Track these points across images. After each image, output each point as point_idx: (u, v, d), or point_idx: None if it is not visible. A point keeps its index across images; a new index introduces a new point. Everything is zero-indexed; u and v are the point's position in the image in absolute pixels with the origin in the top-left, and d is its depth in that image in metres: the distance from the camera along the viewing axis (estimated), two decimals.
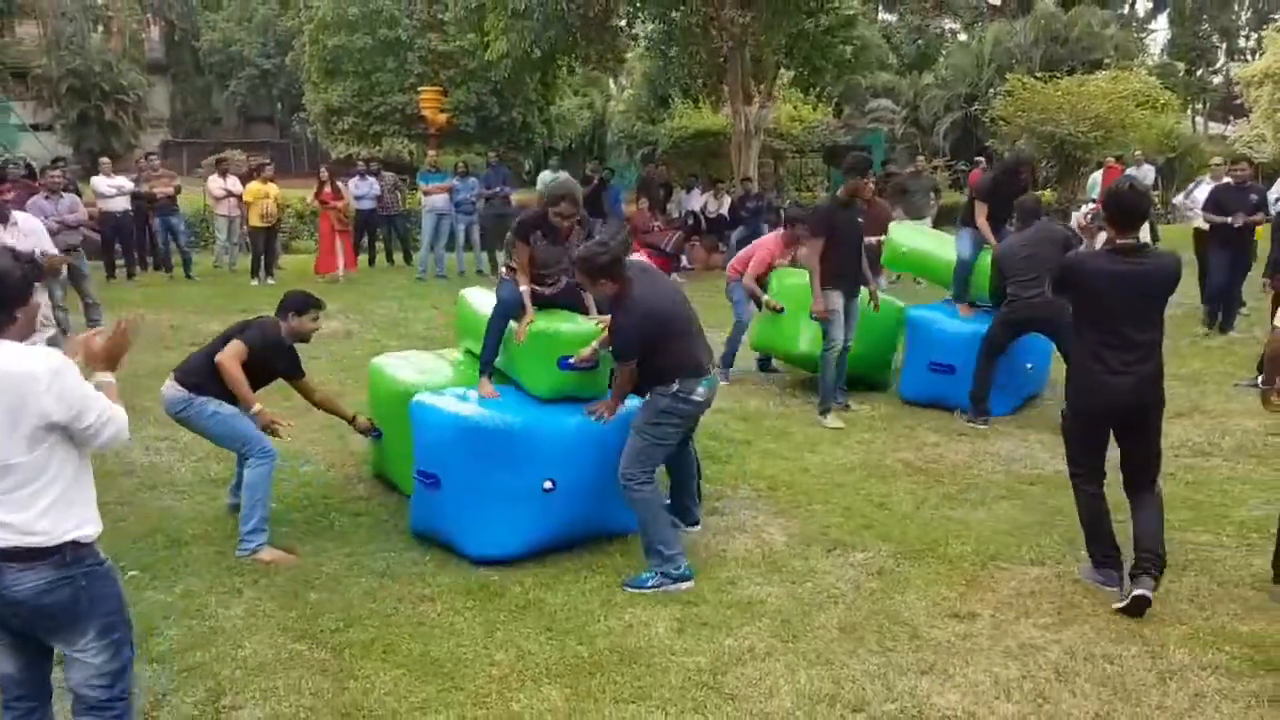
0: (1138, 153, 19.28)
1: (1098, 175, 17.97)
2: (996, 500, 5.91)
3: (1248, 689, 3.78)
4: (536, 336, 5.17)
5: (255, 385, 5.20)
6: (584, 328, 5.28)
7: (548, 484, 4.90)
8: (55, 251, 6.73)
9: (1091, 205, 12.48)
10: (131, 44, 42.83)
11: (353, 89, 26.76)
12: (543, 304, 5.42)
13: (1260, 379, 5.09)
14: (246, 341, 5.15)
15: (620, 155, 31.35)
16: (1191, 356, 9.53)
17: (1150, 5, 54.51)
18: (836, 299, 7.43)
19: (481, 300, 5.98)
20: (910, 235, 9.27)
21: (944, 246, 8.66)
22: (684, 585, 4.67)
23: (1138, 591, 4.34)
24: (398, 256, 16.39)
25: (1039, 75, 22.24)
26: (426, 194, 15.01)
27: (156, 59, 47.80)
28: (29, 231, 6.57)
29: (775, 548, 5.22)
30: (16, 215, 6.84)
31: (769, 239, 8.84)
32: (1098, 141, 20.21)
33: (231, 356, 5.09)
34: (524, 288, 5.32)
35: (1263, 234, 10.13)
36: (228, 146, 37.99)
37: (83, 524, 2.81)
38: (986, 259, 7.88)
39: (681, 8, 13.90)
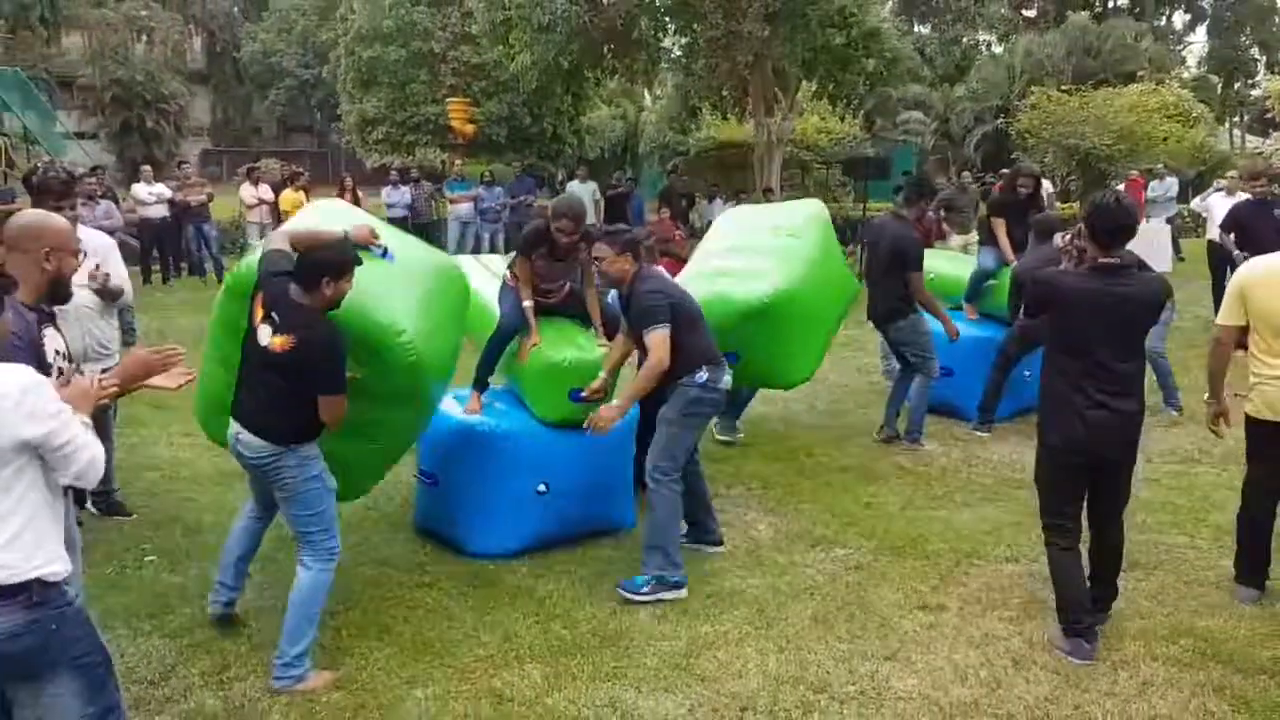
0: (1161, 166, 19.30)
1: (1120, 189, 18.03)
2: (981, 502, 6.10)
3: (1195, 679, 3.96)
4: (553, 368, 5.22)
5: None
6: (590, 354, 5.33)
7: (541, 487, 5.10)
8: (123, 272, 5.38)
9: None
10: (174, 54, 43.67)
11: (387, 99, 27.12)
12: (546, 311, 5.49)
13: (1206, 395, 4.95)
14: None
15: (653, 165, 31.64)
16: (1195, 366, 9.63)
17: (1188, 18, 54.37)
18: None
19: (475, 277, 5.70)
20: (939, 260, 9.16)
21: (957, 265, 8.81)
22: (677, 594, 4.70)
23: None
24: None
25: (1065, 88, 22.27)
26: (452, 202, 15.35)
27: (198, 69, 48.75)
28: (96, 250, 5.20)
29: (761, 543, 5.44)
30: (83, 231, 4.97)
31: None
32: (1123, 154, 20.24)
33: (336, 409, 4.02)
34: (527, 302, 5.36)
35: None
36: (267, 155, 38.78)
37: (50, 560, 2.58)
38: (1006, 274, 7.96)
39: (703, 22, 14.14)
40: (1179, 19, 54.01)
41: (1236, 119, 49.44)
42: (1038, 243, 7.65)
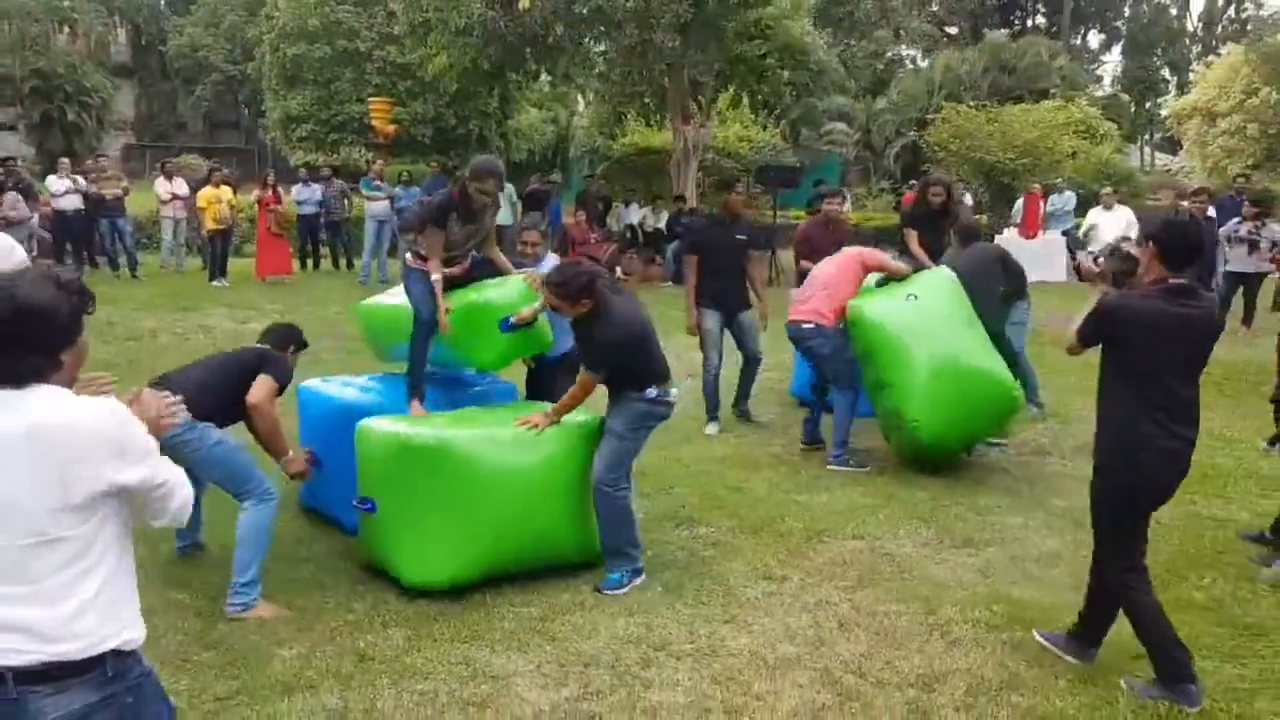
0: (1060, 180, 20.10)
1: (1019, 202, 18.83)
2: (843, 487, 6.50)
3: (999, 638, 4.37)
4: (470, 310, 5.24)
5: (236, 418, 4.73)
6: (512, 288, 5.37)
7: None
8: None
9: (1112, 242, 11.80)
10: (98, 47, 43.09)
11: (312, 97, 27.16)
12: (453, 284, 5.48)
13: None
14: (277, 380, 4.72)
15: (583, 169, 31.95)
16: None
17: (1104, 37, 56.15)
18: (711, 318, 7.67)
19: (381, 299, 6.13)
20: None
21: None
22: (640, 580, 4.84)
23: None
24: (342, 262, 16.90)
25: (973, 104, 23.01)
26: (368, 200, 15.55)
27: (123, 62, 47.99)
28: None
29: None
30: None
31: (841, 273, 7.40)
32: (1026, 169, 21.00)
33: (267, 397, 4.65)
34: (435, 276, 5.32)
35: None
36: (192, 151, 38.37)
37: (128, 625, 2.22)
38: None
39: (617, 30, 14.52)
40: (1095, 39, 55.79)
41: (1147, 137, 51.08)
42: (962, 246, 7.76)
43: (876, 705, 3.83)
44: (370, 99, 20.20)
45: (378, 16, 26.25)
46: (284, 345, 5.09)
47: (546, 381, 5.89)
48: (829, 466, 6.93)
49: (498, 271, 5.69)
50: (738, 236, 7.81)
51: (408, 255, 5.72)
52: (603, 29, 14.66)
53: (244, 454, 4.62)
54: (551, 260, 5.93)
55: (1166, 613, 4.35)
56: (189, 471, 4.08)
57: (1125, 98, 46.39)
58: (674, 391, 4.94)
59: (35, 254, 15.27)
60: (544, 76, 20.00)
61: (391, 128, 18.46)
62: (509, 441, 4.77)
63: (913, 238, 8.31)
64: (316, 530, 5.54)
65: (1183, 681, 3.80)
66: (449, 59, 15.34)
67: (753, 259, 8.05)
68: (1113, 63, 55.88)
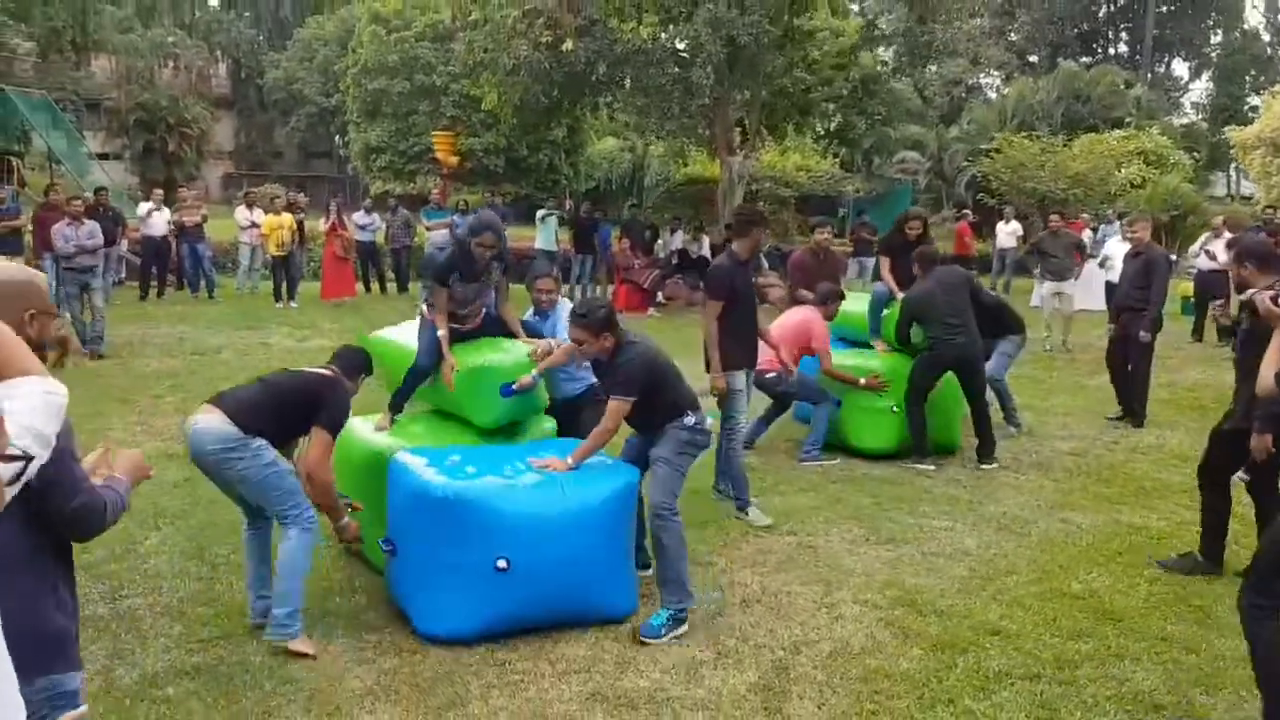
0: (1110, 210, 20.33)
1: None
2: (799, 492, 7.12)
3: (878, 616, 5.00)
4: (474, 373, 5.31)
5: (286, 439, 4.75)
6: (516, 354, 5.45)
7: (501, 563, 4.50)
8: None
9: None
10: (199, 80, 45.41)
11: (390, 129, 28.61)
12: (463, 338, 5.58)
13: None
14: (331, 429, 4.65)
15: (659, 197, 32.89)
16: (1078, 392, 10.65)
17: (1195, 63, 55.38)
18: (739, 378, 6.74)
19: (390, 334, 6.15)
20: None
21: (861, 304, 8.77)
22: (682, 629, 4.76)
23: None
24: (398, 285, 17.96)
25: (1032, 134, 23.35)
26: (429, 229, 16.58)
27: (223, 94, 50.45)
28: None
29: None
30: None
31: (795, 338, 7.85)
32: (1078, 199, 21.27)
33: (321, 460, 4.60)
34: (442, 331, 5.40)
35: None
36: (288, 179, 40.26)
37: None
38: (894, 309, 8.26)
39: (656, 69, 15.35)
40: (1181, 67, 55.07)
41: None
42: (923, 272, 8.06)
43: (745, 662, 4.50)
44: (434, 133, 21.33)
45: (454, 52, 27.58)
46: (353, 372, 4.96)
47: (571, 418, 5.89)
48: (801, 463, 7.72)
49: (509, 330, 5.75)
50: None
51: (423, 306, 5.79)
52: (643, 67, 15.48)
53: (293, 478, 4.57)
54: (565, 307, 5.96)
55: (1044, 599, 4.99)
56: (230, 490, 4.64)
57: (1204, 126, 45.70)
58: (710, 420, 5.11)
59: (124, 276, 16.69)
60: (603, 111, 20.81)
61: (455, 159, 19.54)
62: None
63: (884, 264, 8.82)
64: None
65: None
66: (499, 96, 16.37)
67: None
68: (1199, 90, 55.11)
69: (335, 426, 4.67)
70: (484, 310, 5.71)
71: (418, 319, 5.79)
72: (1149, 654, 4.60)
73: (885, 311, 8.47)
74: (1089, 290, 17.17)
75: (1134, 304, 9.12)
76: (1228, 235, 13.87)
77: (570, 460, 4.81)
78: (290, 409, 4.61)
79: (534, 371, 5.36)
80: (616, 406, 4.82)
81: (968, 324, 7.74)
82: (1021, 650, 4.61)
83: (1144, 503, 6.96)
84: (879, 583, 5.44)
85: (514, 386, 5.33)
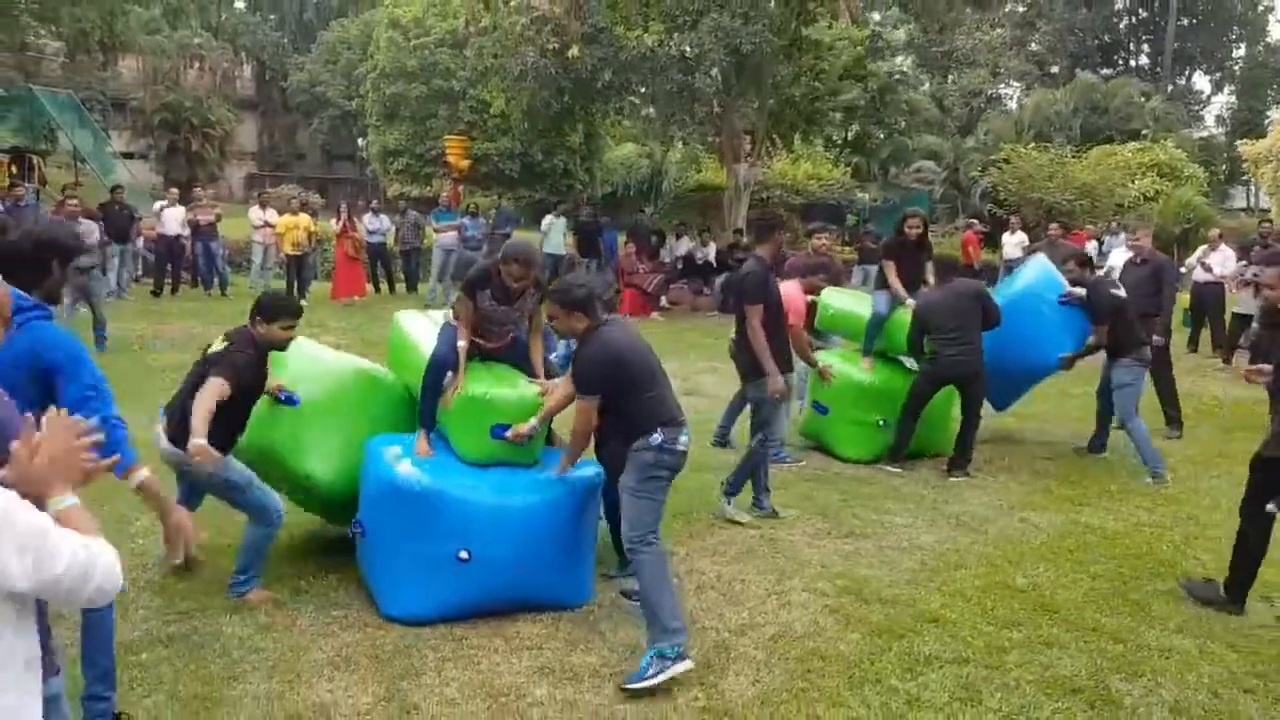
0: (1113, 222, 20.45)
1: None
2: (772, 490, 7.35)
3: (825, 603, 5.23)
4: (471, 401, 5.01)
5: (243, 419, 4.94)
6: (523, 395, 5.11)
7: (463, 554, 4.71)
8: None
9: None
10: (224, 82, 46.03)
11: (408, 133, 28.99)
12: (485, 356, 5.41)
13: None
14: (223, 376, 4.69)
15: (667, 203, 33.19)
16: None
17: (1218, 75, 55.24)
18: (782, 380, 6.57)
19: (414, 325, 5.95)
20: (836, 297, 9.08)
21: (863, 305, 8.80)
22: (681, 666, 4.34)
23: None
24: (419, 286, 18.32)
25: (1037, 146, 23.50)
26: (437, 231, 16.91)
27: (248, 96, 51.06)
28: None
29: None
30: None
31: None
32: (1084, 210, 21.40)
33: (200, 408, 4.60)
34: (462, 342, 5.20)
35: None
36: (309, 181, 40.77)
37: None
38: (901, 315, 8.21)
39: (661, 76, 15.62)
40: (1202, 80, 54.95)
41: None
42: (939, 281, 8.03)
43: (690, 642, 4.71)
44: (446, 137, 21.70)
45: (470, 58, 27.97)
46: (253, 317, 5.02)
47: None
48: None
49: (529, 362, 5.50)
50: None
51: (449, 313, 5.63)
52: (648, 74, 15.76)
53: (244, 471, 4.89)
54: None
55: (986, 591, 5.22)
56: (193, 490, 5.13)
57: (1222, 139, 45.60)
58: (683, 439, 4.68)
59: (140, 273, 17.08)
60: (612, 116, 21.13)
61: (466, 163, 19.88)
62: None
63: (890, 269, 8.55)
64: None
65: None
66: (506, 101, 16.71)
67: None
68: (1220, 104, 54.95)
69: (229, 374, 4.71)
70: (511, 334, 5.45)
71: (442, 319, 5.69)
72: (1077, 643, 4.81)
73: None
74: None
75: (1147, 310, 8.87)
76: (1224, 249, 14.03)
77: (554, 473, 4.95)
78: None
79: (532, 421, 4.96)
80: (580, 405, 4.67)
81: (972, 338, 7.63)
82: (955, 637, 4.83)
83: (1105, 505, 7.15)
84: (832, 573, 5.66)
85: (508, 433, 4.96)
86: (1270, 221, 15.60)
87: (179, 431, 4.71)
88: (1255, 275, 12.47)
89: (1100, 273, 17.73)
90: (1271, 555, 5.35)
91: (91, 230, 11.29)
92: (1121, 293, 8.21)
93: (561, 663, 4.51)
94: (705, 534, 6.31)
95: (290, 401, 5.16)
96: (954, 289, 7.86)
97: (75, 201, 12.37)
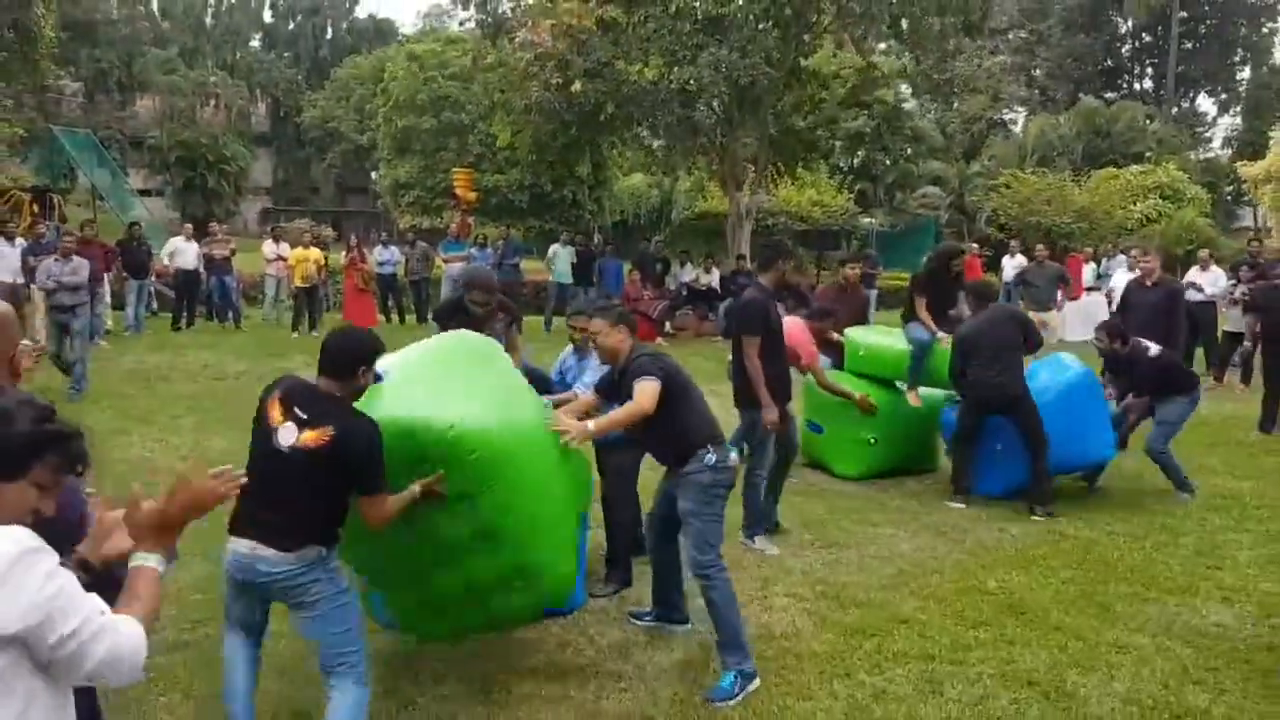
0: (1109, 245, 20.76)
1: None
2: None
3: (803, 607, 5.52)
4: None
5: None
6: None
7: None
8: None
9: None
10: (238, 118, 46.93)
11: (419, 165, 29.54)
12: None
13: None
14: (378, 489, 3.68)
15: (671, 231, 33.63)
16: None
17: (1224, 97, 55.54)
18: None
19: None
20: (864, 335, 8.98)
21: (893, 338, 8.77)
22: (754, 685, 4.49)
23: None
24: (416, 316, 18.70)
25: (1040, 171, 23.86)
26: (445, 262, 17.32)
27: (262, 132, 52.02)
28: None
29: None
30: None
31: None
32: (1083, 232, 21.72)
33: (385, 519, 3.73)
34: None
35: None
36: (323, 215, 41.45)
37: None
38: (937, 345, 8.19)
39: (662, 109, 16.04)
40: (1206, 102, 55.27)
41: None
42: (978, 308, 7.88)
43: (675, 643, 5.05)
44: (454, 170, 22.18)
45: (477, 92, 28.51)
46: (347, 372, 3.71)
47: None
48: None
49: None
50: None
51: None
52: (650, 107, 16.18)
53: (360, 614, 3.86)
54: (594, 364, 5.53)
55: (958, 594, 5.50)
56: (260, 622, 3.82)
57: (1225, 161, 45.87)
58: (733, 455, 4.77)
59: (156, 307, 17.51)
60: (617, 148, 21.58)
61: (473, 195, 20.33)
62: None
63: (920, 303, 8.44)
64: None
65: None
66: (511, 135, 17.18)
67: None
68: (1225, 126, 55.27)
69: (377, 478, 3.65)
70: None
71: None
72: (1039, 641, 5.09)
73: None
74: (1091, 320, 17.58)
75: (1157, 334, 8.56)
76: (1214, 269, 14.30)
77: (592, 427, 4.53)
78: (325, 495, 3.60)
79: (589, 425, 4.58)
80: (646, 386, 4.51)
81: (1013, 362, 7.51)
82: (924, 636, 5.12)
83: (1081, 515, 7.41)
84: (812, 580, 5.96)
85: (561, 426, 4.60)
86: (1259, 241, 15.88)
87: (296, 536, 3.55)
88: (1244, 294, 12.76)
89: (1101, 294, 18.09)
90: (1238, 564, 5.62)
91: (79, 268, 10.90)
92: (1155, 350, 7.92)
93: (552, 662, 4.81)
94: None
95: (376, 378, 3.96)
96: (992, 315, 7.76)
97: (70, 238, 12.00)
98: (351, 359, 3.70)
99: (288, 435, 3.55)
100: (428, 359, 4.51)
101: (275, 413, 3.62)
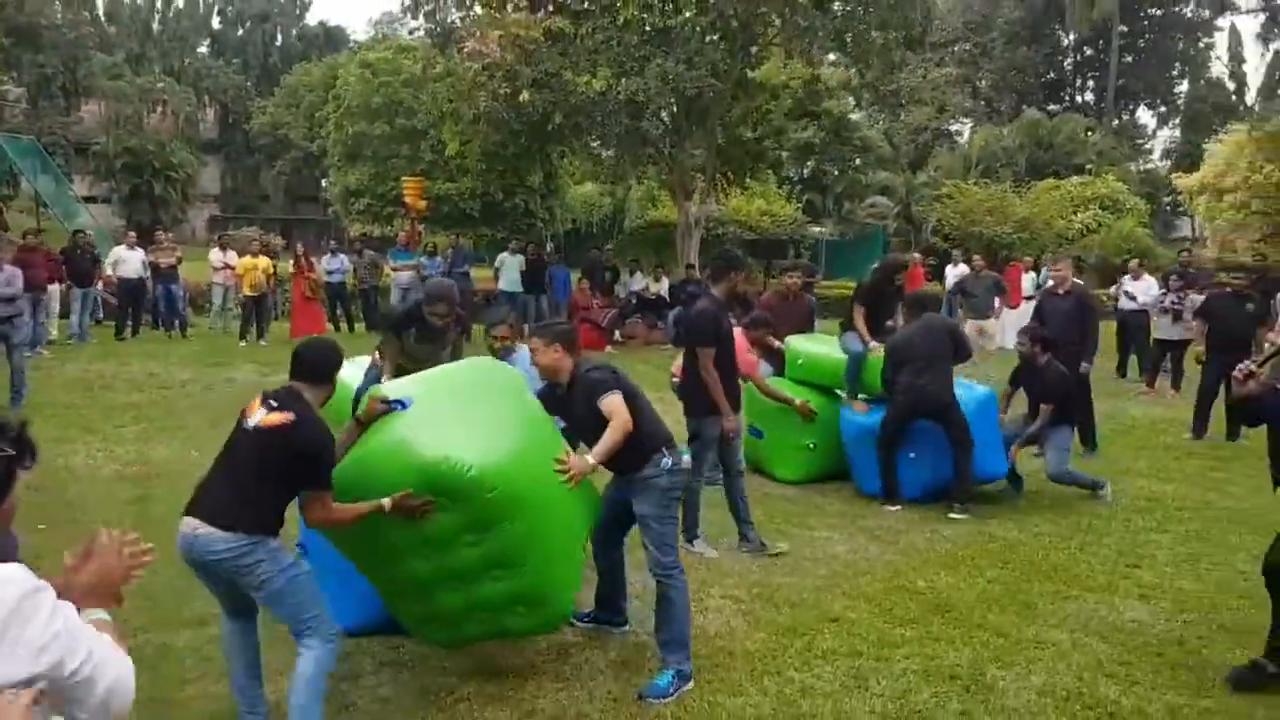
0: (1047, 255, 21.21)
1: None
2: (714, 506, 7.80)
3: (739, 608, 5.68)
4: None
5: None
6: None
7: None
8: None
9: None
10: (186, 125, 46.46)
11: (370, 173, 29.37)
12: None
13: None
14: (324, 485, 3.96)
15: (620, 240, 33.75)
16: None
17: (1163, 111, 56.85)
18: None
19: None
20: (803, 344, 9.05)
21: (831, 347, 8.82)
22: (688, 686, 4.63)
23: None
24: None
25: (983, 181, 24.34)
26: (394, 270, 17.35)
27: (211, 139, 51.52)
28: None
29: None
30: None
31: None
32: (1023, 242, 22.19)
33: (326, 517, 4.05)
34: (385, 378, 5.39)
35: None
36: (273, 223, 41.15)
37: None
38: (870, 355, 8.29)
39: (610, 119, 16.20)
40: (1146, 115, 56.51)
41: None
42: (911, 317, 8.15)
43: (611, 644, 5.18)
44: (403, 178, 22.19)
45: (427, 101, 28.42)
46: (320, 379, 4.09)
47: None
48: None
49: None
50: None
51: (375, 354, 5.89)
52: (597, 118, 16.34)
53: (312, 579, 4.11)
54: (524, 353, 5.53)
55: (887, 593, 5.67)
56: (242, 602, 4.04)
57: (1164, 172, 46.97)
58: (685, 457, 4.95)
59: (101, 316, 17.36)
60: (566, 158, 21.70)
61: (423, 204, 20.37)
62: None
63: (859, 313, 8.50)
64: None
65: None
66: (460, 144, 17.27)
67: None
68: (1164, 138, 56.55)
69: (325, 477, 3.94)
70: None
71: (370, 359, 5.98)
72: (962, 637, 5.28)
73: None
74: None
75: (1071, 340, 9.06)
76: (1146, 277, 14.71)
77: (592, 460, 4.56)
78: (272, 479, 3.87)
79: (589, 458, 4.62)
80: (613, 400, 4.60)
81: (943, 369, 7.74)
82: (853, 634, 5.30)
83: (1012, 517, 7.66)
84: (748, 582, 6.12)
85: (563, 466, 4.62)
86: (1189, 250, 16.32)
87: (238, 515, 3.81)
88: (1174, 303, 13.16)
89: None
90: (1157, 563, 5.85)
91: (13, 279, 10.68)
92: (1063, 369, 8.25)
93: (491, 663, 4.92)
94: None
95: (403, 406, 4.32)
96: (925, 324, 7.99)
97: (10, 246, 11.88)
98: (329, 367, 4.13)
99: (256, 417, 3.92)
100: (450, 389, 4.67)
101: (254, 404, 4.01)
